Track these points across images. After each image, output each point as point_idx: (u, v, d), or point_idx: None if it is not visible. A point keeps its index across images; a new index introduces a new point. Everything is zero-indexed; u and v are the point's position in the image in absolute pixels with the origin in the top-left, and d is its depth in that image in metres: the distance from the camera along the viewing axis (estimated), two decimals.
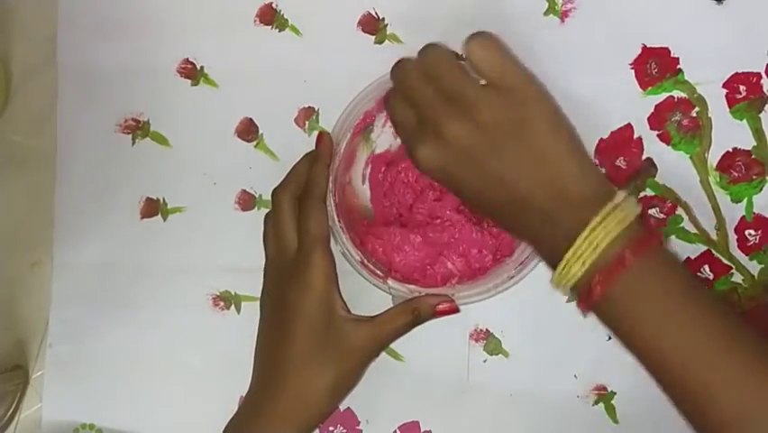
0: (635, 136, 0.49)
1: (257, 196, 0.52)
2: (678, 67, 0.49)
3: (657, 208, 0.49)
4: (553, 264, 0.37)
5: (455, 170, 0.38)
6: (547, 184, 0.37)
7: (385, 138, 0.50)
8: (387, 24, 0.51)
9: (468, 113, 0.37)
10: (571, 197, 0.37)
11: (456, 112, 0.38)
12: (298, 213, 0.44)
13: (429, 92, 0.39)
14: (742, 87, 0.49)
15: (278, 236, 0.45)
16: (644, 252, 0.35)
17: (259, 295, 0.46)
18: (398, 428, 0.51)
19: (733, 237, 0.49)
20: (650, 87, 0.49)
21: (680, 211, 0.49)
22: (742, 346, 0.35)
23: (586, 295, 0.36)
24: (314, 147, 0.47)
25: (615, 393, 0.49)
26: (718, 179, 0.49)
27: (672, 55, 0.49)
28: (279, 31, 0.52)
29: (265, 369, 0.44)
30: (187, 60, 0.52)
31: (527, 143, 0.37)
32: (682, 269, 0.37)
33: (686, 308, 0.35)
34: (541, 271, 0.44)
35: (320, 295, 0.42)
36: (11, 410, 0.51)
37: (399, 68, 0.41)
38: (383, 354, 0.49)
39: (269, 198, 0.47)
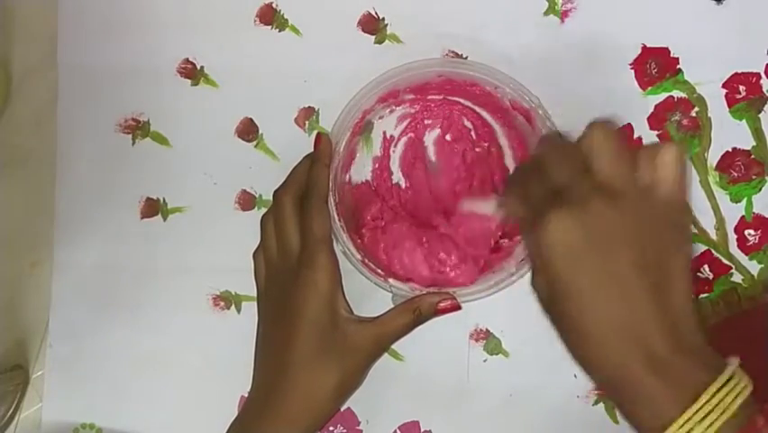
0: (635, 136, 0.49)
1: (257, 196, 0.52)
2: (678, 67, 0.49)
3: None
4: (649, 421, 0.32)
5: (583, 254, 0.32)
6: (670, 319, 0.33)
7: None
8: (387, 24, 0.51)
9: (623, 200, 0.33)
10: (691, 345, 0.33)
11: (610, 195, 0.33)
12: (300, 214, 0.45)
13: (580, 168, 0.34)
14: (741, 87, 0.49)
15: (280, 238, 0.45)
16: None
17: None
18: (398, 428, 0.51)
19: (733, 237, 0.49)
20: (650, 87, 0.49)
21: None
22: None
23: None
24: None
25: None
26: (718, 179, 0.49)
27: (671, 55, 0.49)
28: (279, 31, 0.52)
29: (269, 370, 0.44)
30: (187, 60, 0.52)
31: (670, 264, 0.33)
32: None
33: None
34: None
35: (325, 296, 0.42)
36: (11, 410, 0.51)
37: (549, 136, 0.37)
38: (384, 354, 0.49)
39: (270, 197, 0.47)
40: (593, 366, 0.34)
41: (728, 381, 0.31)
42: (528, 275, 0.45)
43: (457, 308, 0.44)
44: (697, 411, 0.31)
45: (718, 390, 0.31)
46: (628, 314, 0.33)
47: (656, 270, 0.33)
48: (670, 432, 0.31)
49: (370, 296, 0.46)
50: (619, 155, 0.34)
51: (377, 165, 0.50)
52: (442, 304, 0.44)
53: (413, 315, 0.44)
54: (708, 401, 0.31)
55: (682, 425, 0.31)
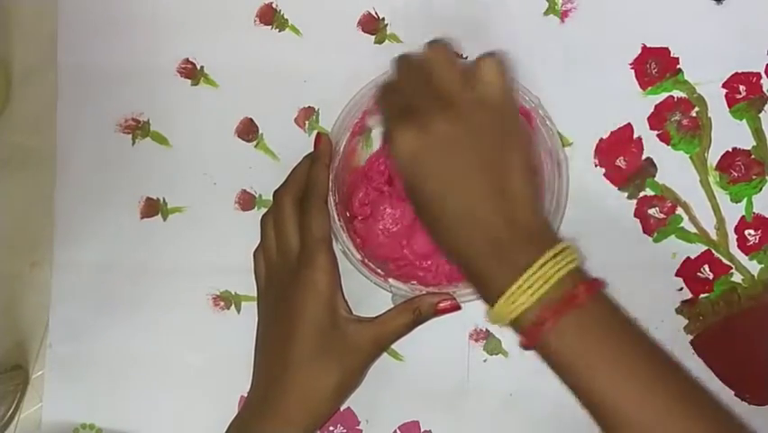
0: (635, 136, 0.49)
1: (257, 196, 0.52)
2: (678, 67, 0.49)
3: (657, 208, 0.49)
4: (488, 295, 0.37)
5: (425, 160, 0.37)
6: (508, 208, 0.37)
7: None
8: (387, 24, 0.51)
9: (455, 111, 0.37)
10: (526, 228, 0.37)
11: (444, 106, 0.37)
12: (300, 214, 0.45)
13: (422, 84, 0.39)
14: (742, 87, 0.49)
15: (279, 238, 0.45)
16: (596, 292, 0.36)
17: None
18: (398, 428, 0.51)
19: (733, 237, 0.49)
20: (650, 87, 0.49)
21: (679, 211, 0.49)
22: (668, 388, 0.35)
23: (531, 329, 0.36)
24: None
25: None
26: (718, 179, 0.49)
27: (671, 55, 0.49)
28: (279, 31, 0.52)
29: (268, 369, 0.44)
30: (187, 60, 0.52)
31: (504, 161, 0.38)
32: (624, 313, 0.38)
33: (622, 349, 0.36)
34: None
35: (324, 296, 0.42)
36: (11, 410, 0.51)
37: (399, 58, 0.41)
38: (383, 354, 0.49)
39: (270, 197, 0.47)
40: (449, 252, 0.39)
41: (556, 255, 0.36)
42: None
43: (457, 308, 0.44)
44: (523, 282, 0.35)
45: (545, 263, 0.35)
46: (471, 208, 0.37)
47: (493, 168, 0.37)
48: (500, 301, 0.36)
49: (369, 296, 0.46)
50: (450, 69, 0.39)
51: (373, 154, 0.50)
52: (441, 304, 0.44)
53: (412, 315, 0.44)
54: (533, 273, 0.35)
55: (510, 295, 0.35)
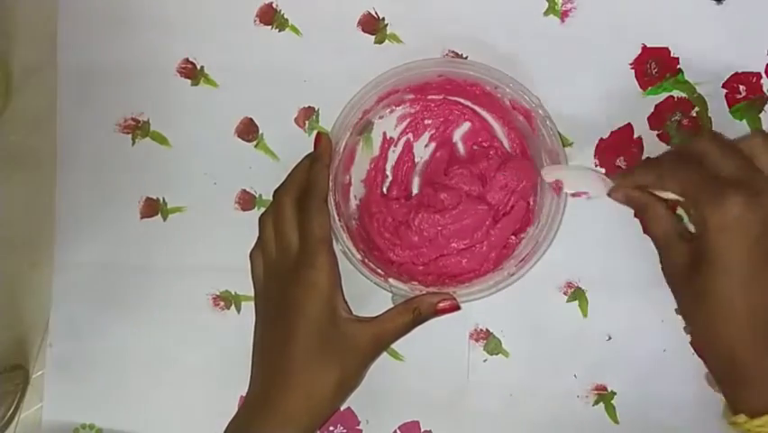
0: (635, 136, 0.49)
1: (257, 196, 0.52)
2: (678, 67, 0.49)
3: None
4: (749, 400, 0.36)
5: (756, 234, 0.36)
6: None
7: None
8: (387, 24, 0.51)
9: None
10: None
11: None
12: (300, 214, 0.45)
13: (744, 162, 0.38)
14: (742, 87, 0.49)
15: (279, 237, 0.45)
16: None
17: None
18: (398, 428, 0.51)
19: None
20: (650, 87, 0.49)
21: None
22: None
23: None
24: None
25: (615, 393, 0.49)
26: None
27: (671, 55, 0.49)
28: (279, 31, 0.52)
29: (267, 369, 0.44)
30: (187, 60, 0.52)
31: None
32: None
33: None
34: (541, 270, 0.45)
35: (324, 296, 0.42)
36: (11, 410, 0.51)
37: (708, 134, 0.40)
38: (383, 354, 0.49)
39: (270, 197, 0.47)
40: (714, 342, 0.37)
41: None
42: (527, 276, 0.45)
43: (456, 308, 0.44)
44: None
45: None
46: None
47: None
48: None
49: (369, 296, 0.46)
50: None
51: (372, 166, 0.50)
52: (441, 304, 0.44)
53: (412, 315, 0.44)
54: None
55: None
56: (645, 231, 0.42)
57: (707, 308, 0.37)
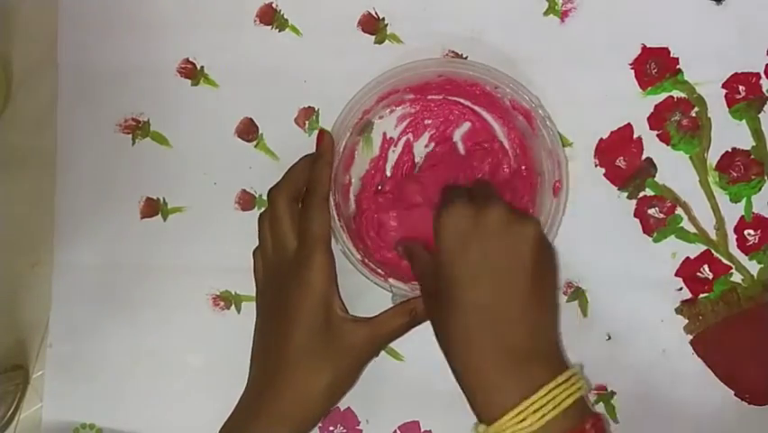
0: (635, 136, 0.49)
1: (257, 196, 0.52)
2: (677, 67, 0.49)
3: (657, 208, 0.49)
4: (487, 408, 0.37)
5: (469, 237, 0.39)
6: (534, 318, 0.38)
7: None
8: (387, 24, 0.51)
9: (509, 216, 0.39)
10: (547, 344, 0.38)
11: (504, 207, 0.40)
12: (301, 212, 0.45)
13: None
14: (741, 88, 0.49)
15: (275, 237, 0.45)
16: (602, 431, 0.36)
17: None
18: (398, 427, 0.51)
19: (732, 237, 0.49)
20: (650, 87, 0.49)
21: (679, 211, 0.49)
22: None
23: None
24: (314, 147, 0.47)
25: (615, 393, 0.49)
26: (718, 179, 0.49)
27: (671, 55, 0.49)
28: (279, 31, 0.52)
29: (263, 368, 0.44)
30: (187, 60, 0.52)
31: (544, 274, 0.40)
32: None
33: None
34: None
35: (320, 295, 0.42)
36: (11, 410, 0.51)
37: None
38: (383, 354, 0.49)
39: None
40: (454, 349, 0.39)
41: (565, 381, 0.36)
42: None
43: None
44: (533, 403, 0.35)
45: (555, 387, 0.36)
46: (498, 310, 0.38)
47: (534, 276, 0.38)
48: (507, 417, 0.35)
49: (369, 296, 0.46)
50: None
51: (372, 166, 0.50)
52: None
53: (408, 316, 0.44)
54: (544, 396, 0.35)
55: (519, 413, 0.35)
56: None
57: (440, 318, 0.40)
